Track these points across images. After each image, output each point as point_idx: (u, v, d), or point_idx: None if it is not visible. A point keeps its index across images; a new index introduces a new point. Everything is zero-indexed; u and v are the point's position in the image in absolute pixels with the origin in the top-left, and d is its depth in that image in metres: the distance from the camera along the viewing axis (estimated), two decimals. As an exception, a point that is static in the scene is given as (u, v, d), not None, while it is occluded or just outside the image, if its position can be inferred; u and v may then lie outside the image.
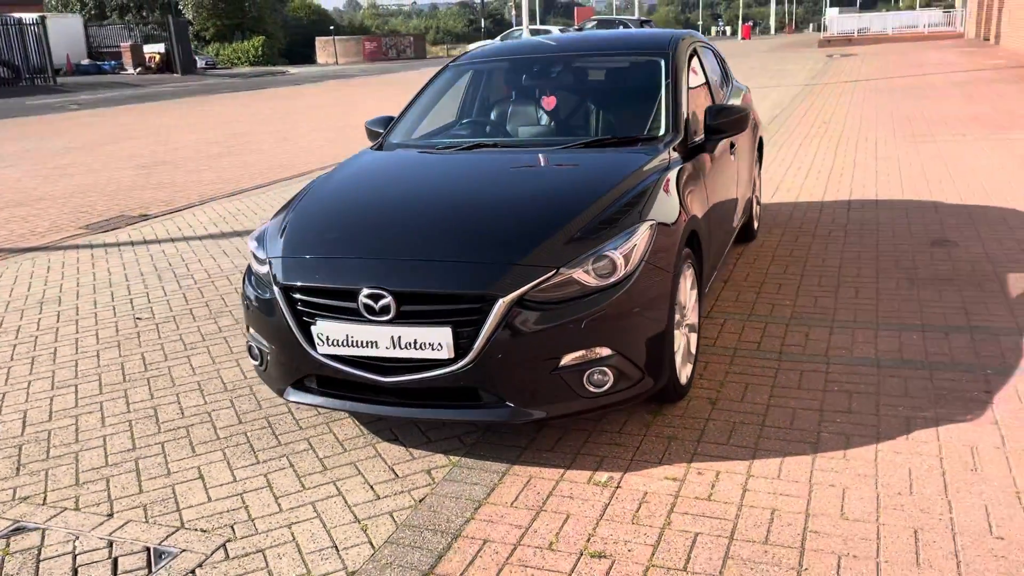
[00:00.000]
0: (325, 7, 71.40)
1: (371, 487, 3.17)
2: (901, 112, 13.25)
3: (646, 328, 3.19)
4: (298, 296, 3.27)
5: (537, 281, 3.04)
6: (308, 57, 59.49)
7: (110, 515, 3.09)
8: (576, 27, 36.88)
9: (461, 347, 3.05)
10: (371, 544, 2.81)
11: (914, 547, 2.61)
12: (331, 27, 66.37)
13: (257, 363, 3.60)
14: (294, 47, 60.69)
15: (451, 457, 3.34)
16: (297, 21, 65.33)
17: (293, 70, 47.35)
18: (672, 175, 3.71)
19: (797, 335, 4.36)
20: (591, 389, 3.12)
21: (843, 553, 2.60)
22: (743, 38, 63.88)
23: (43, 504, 3.19)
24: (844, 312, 4.65)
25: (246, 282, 3.63)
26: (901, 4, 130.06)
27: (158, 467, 3.42)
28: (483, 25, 59.89)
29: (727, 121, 4.24)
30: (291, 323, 3.27)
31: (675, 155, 3.91)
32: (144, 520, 3.04)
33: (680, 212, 3.57)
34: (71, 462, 3.51)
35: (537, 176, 3.85)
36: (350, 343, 3.15)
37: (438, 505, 3.01)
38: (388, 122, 4.86)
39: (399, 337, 3.07)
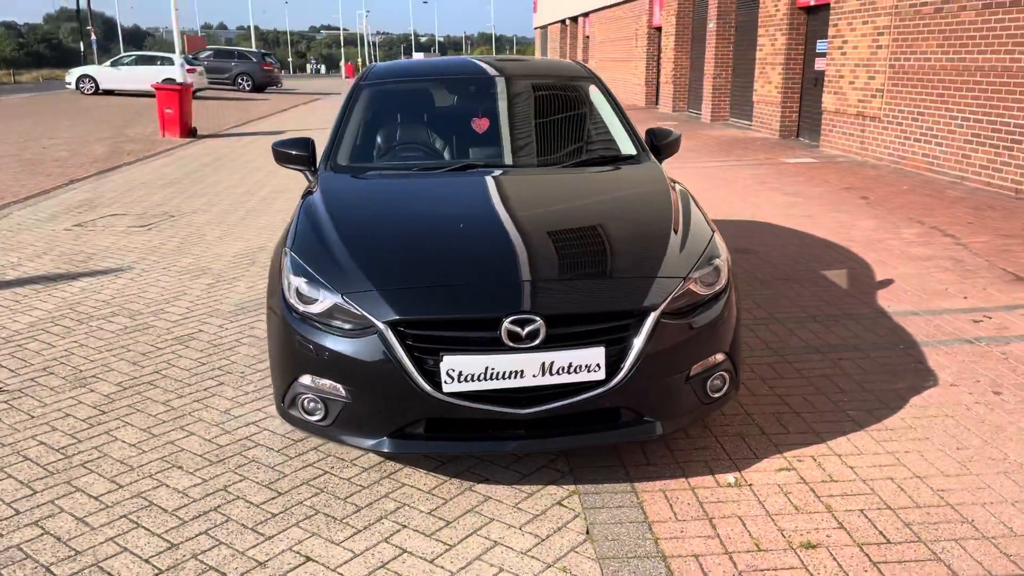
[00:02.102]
0: None
1: (519, 530, 2.92)
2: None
3: (737, 332, 3.37)
4: (415, 331, 2.90)
5: (673, 293, 3.07)
6: None
7: (244, 625, 2.45)
8: (191, 56, 34.84)
9: (609, 366, 2.96)
10: (594, 584, 2.62)
11: (1021, 488, 3.13)
12: None
13: (318, 417, 3.09)
14: None
15: (564, 487, 3.19)
16: None
17: None
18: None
19: (729, 335, 4.81)
20: (712, 395, 3.22)
21: (982, 502, 3.03)
22: (347, 76, 65.34)
23: (131, 633, 2.42)
24: (740, 313, 5.23)
25: (295, 324, 3.09)
26: (469, 52, 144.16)
27: (239, 560, 2.76)
28: (94, 41, 53.03)
29: (667, 143, 4.58)
30: (406, 362, 2.88)
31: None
32: (299, 620, 2.47)
33: None
34: (101, 577, 2.68)
35: (599, 192, 3.82)
36: (489, 376, 2.88)
37: (612, 534, 2.88)
38: (306, 144, 4.39)
39: (550, 363, 2.89)
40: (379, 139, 4.43)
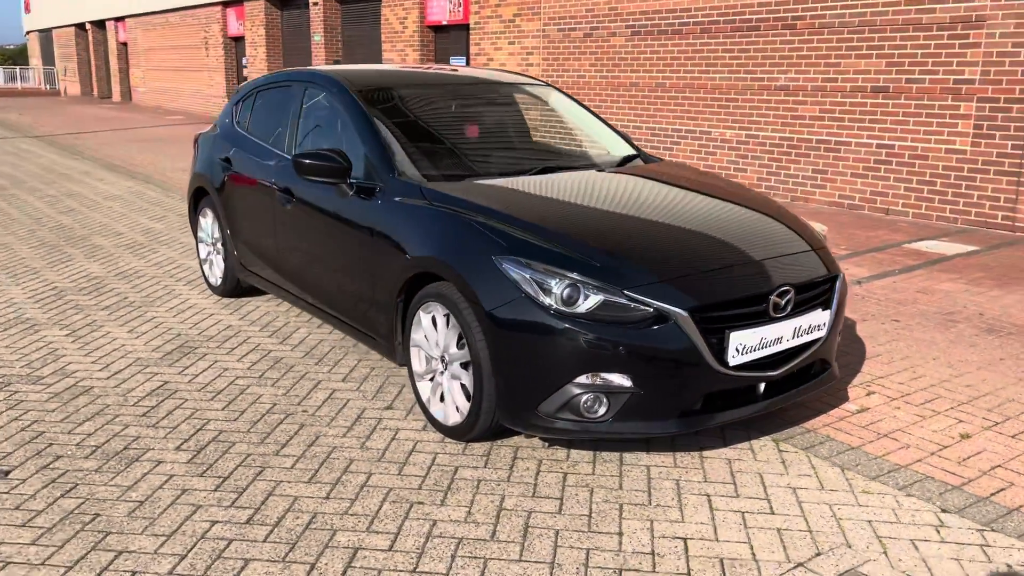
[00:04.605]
0: None
1: (786, 475, 3.33)
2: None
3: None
4: (706, 314, 3.14)
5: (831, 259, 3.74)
6: None
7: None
8: None
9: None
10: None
11: (1014, 372, 4.39)
12: None
13: (600, 414, 3.14)
14: None
15: (759, 439, 3.64)
16: None
17: None
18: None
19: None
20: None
21: (1004, 386, 4.19)
22: None
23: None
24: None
25: (570, 324, 3.08)
26: None
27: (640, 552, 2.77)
28: None
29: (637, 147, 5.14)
30: (701, 344, 3.12)
31: (665, 168, 4.73)
32: (766, 584, 2.64)
33: None
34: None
35: (700, 185, 4.17)
36: (762, 345, 3.26)
37: (850, 461, 3.42)
38: (340, 156, 4.01)
39: (800, 326, 3.36)
40: (425, 147, 4.23)
